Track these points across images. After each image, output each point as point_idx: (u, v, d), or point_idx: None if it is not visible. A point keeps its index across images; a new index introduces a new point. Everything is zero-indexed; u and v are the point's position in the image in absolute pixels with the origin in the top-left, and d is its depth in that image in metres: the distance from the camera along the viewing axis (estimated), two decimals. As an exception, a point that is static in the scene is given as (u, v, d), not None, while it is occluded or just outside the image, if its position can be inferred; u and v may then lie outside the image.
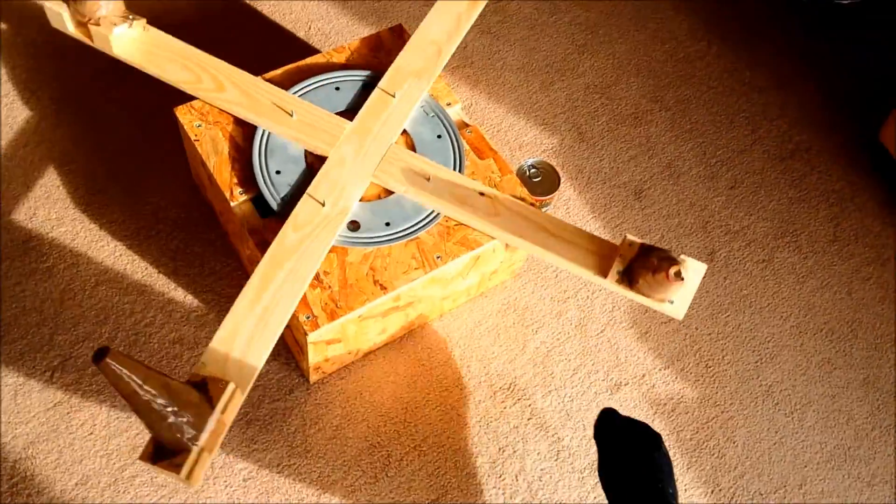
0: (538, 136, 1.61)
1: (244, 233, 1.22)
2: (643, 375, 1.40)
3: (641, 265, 1.12)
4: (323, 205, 1.19)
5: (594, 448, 1.30)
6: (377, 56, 1.40)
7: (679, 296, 1.14)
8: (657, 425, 1.36)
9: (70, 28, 1.27)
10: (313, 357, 1.22)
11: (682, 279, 1.07)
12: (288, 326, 1.23)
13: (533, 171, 1.43)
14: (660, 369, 1.41)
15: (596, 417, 1.11)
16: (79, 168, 1.46)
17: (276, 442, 1.27)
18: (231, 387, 0.99)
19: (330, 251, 1.19)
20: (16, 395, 1.26)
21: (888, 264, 1.57)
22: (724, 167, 1.63)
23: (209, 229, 1.42)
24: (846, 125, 1.71)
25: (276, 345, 1.32)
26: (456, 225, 1.24)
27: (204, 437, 0.95)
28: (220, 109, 1.29)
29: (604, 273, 1.16)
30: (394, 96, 1.30)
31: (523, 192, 1.29)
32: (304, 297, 1.16)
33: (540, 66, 1.70)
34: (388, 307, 1.22)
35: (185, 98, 1.30)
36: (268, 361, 1.32)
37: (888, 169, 1.64)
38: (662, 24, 1.80)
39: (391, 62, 1.35)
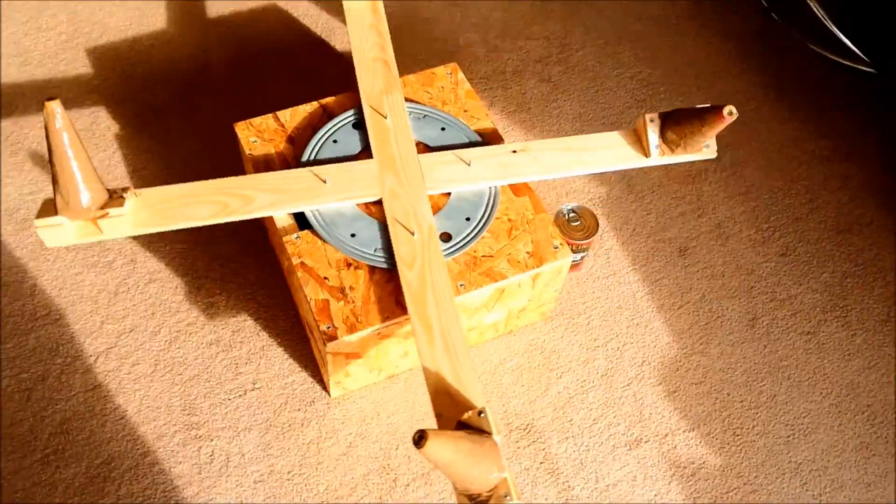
0: (587, 184, 1.63)
1: (283, 245, 1.28)
2: (666, 435, 1.37)
3: (678, 129, 1.31)
4: (413, 234, 1.24)
5: (604, 499, 1.28)
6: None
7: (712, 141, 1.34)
8: (674, 488, 1.33)
9: (72, 239, 1.20)
10: (333, 369, 1.26)
11: (734, 115, 1.24)
12: (313, 337, 1.28)
13: (572, 215, 1.45)
14: (684, 431, 1.38)
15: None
16: (149, 175, 1.57)
17: (290, 450, 1.31)
18: (483, 414, 1.03)
19: (356, 268, 1.24)
20: (61, 374, 1.35)
21: (945, 351, 1.50)
22: (777, 233, 1.60)
23: (259, 241, 1.50)
24: (914, 205, 1.66)
25: (305, 356, 1.37)
26: (483, 256, 1.27)
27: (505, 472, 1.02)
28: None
29: (646, 154, 1.35)
30: (385, 117, 1.36)
31: (553, 230, 1.31)
32: (327, 309, 1.21)
33: (597, 117, 1.72)
34: (408, 329, 1.26)
35: (248, 116, 1.39)
36: (295, 372, 1.37)
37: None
38: (728, 86, 1.80)
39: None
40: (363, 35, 1.46)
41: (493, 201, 1.33)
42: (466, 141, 1.39)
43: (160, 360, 1.37)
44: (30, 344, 1.37)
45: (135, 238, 1.49)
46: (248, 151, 1.35)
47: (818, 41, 1.81)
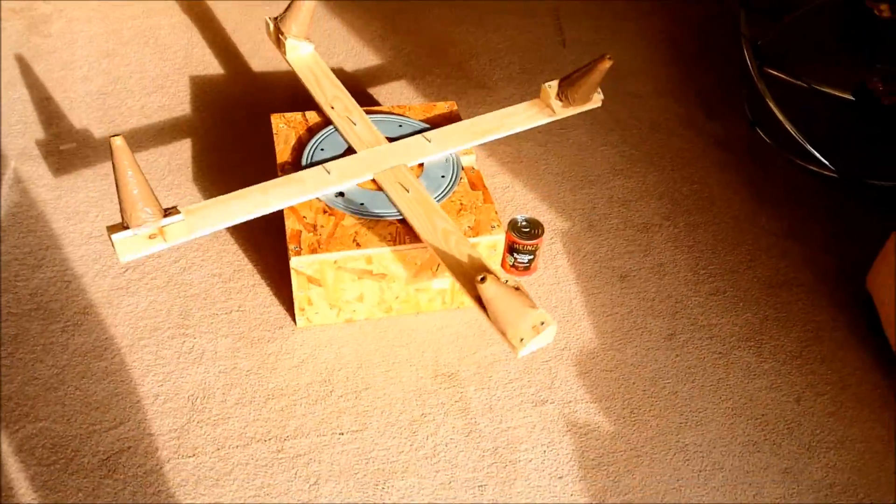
0: (553, 218, 1.93)
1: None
2: (569, 402, 1.58)
3: (571, 86, 1.74)
4: (408, 191, 1.60)
5: (502, 437, 1.49)
6: (429, 118, 1.85)
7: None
8: (566, 441, 1.51)
9: (145, 250, 1.42)
10: (297, 287, 1.57)
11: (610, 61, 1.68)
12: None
13: (524, 223, 1.76)
14: (586, 402, 1.58)
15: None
16: (208, 182, 2.00)
17: (253, 356, 1.60)
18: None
19: (329, 213, 1.58)
20: (96, 276, 1.71)
21: (848, 390, 1.64)
22: (712, 278, 1.83)
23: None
24: (845, 271, 1.85)
25: (286, 298, 1.68)
26: (431, 220, 1.59)
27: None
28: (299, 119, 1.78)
29: (552, 113, 1.79)
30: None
31: (494, 215, 1.62)
32: (298, 236, 1.54)
33: (576, 176, 2.05)
34: (361, 267, 1.57)
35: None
36: (273, 305, 1.69)
37: (872, 312, 1.75)
38: (698, 170, 2.09)
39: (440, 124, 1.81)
40: (311, 80, 1.87)
41: (456, 163, 1.71)
42: (420, 129, 1.78)
43: (172, 278, 1.72)
44: (79, 253, 1.75)
45: (179, 193, 1.89)
46: (274, 132, 1.76)
47: (790, 149, 2.11)
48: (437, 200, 1.63)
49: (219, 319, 1.66)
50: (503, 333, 1.34)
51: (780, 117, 2.09)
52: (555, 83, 1.78)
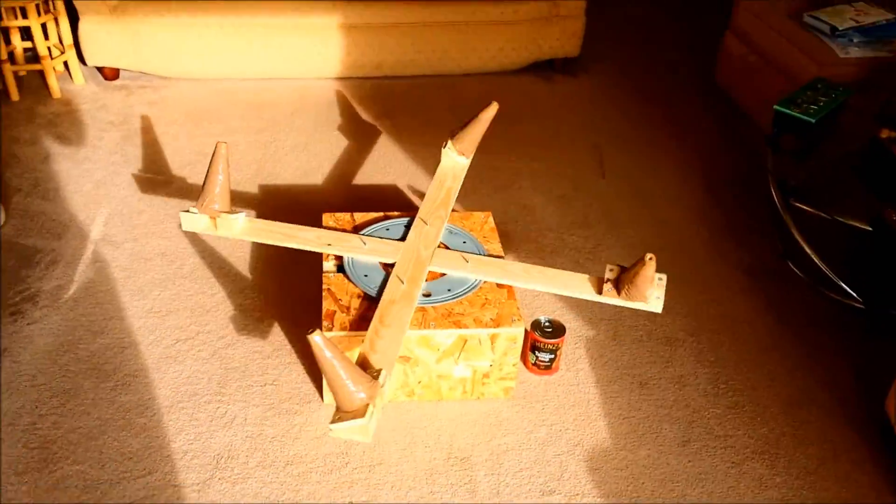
0: (580, 325, 2.02)
1: (323, 279, 1.80)
2: (576, 494, 1.61)
3: (624, 278, 1.71)
4: (402, 283, 1.74)
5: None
6: (465, 226, 2.01)
7: (655, 296, 1.72)
8: (570, 531, 1.54)
9: (201, 227, 1.83)
10: (325, 362, 1.69)
11: (652, 260, 1.65)
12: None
13: (546, 323, 1.85)
14: (594, 496, 1.61)
15: None
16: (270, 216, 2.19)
17: (280, 425, 1.70)
18: (384, 372, 1.50)
19: (363, 299, 1.72)
20: (149, 333, 1.87)
21: (864, 509, 1.62)
22: (731, 392, 1.87)
23: (315, 302, 2.02)
24: (865, 395, 1.86)
25: (318, 377, 1.81)
26: (456, 312, 1.71)
27: (376, 402, 1.44)
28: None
29: (599, 292, 1.76)
30: (426, 223, 1.89)
31: (516, 310, 1.73)
32: (332, 315, 1.68)
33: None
34: (387, 347, 1.68)
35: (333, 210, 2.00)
36: (305, 383, 1.80)
37: (890, 435, 1.74)
38: (724, 293, 2.16)
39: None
40: (440, 182, 2.08)
41: (473, 287, 1.79)
42: (476, 251, 1.90)
43: (217, 352, 1.87)
44: (137, 325, 1.92)
45: (237, 277, 2.06)
46: (323, 225, 1.95)
47: (820, 282, 2.18)
48: (460, 296, 1.75)
49: (253, 391, 1.78)
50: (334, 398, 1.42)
51: (808, 250, 2.16)
52: (616, 268, 1.76)
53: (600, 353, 1.96)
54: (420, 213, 1.96)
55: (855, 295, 2.11)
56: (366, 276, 1.79)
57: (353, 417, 1.40)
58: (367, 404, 1.41)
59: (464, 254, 1.86)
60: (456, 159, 2.12)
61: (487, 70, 3.22)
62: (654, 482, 1.65)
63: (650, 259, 1.66)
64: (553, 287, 1.79)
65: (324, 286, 1.77)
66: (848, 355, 1.99)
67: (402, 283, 1.73)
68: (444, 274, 1.82)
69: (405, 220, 1.97)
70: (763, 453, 1.73)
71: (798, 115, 2.27)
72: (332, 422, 1.41)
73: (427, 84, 3.10)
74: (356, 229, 1.96)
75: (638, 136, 2.86)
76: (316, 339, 1.37)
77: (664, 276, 1.76)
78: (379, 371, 1.48)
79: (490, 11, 3.06)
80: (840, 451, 1.74)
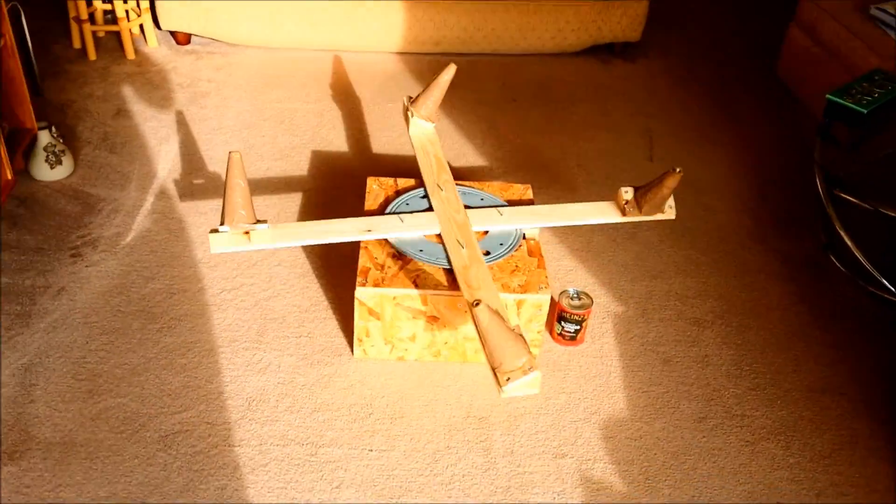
0: (609, 301, 2.06)
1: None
2: (588, 460, 1.65)
3: (644, 193, 1.86)
4: (462, 247, 1.81)
5: (517, 479, 1.59)
6: (504, 198, 2.06)
7: (668, 205, 1.89)
8: (577, 493, 1.59)
9: (234, 244, 1.71)
10: (358, 317, 1.77)
11: (681, 173, 1.79)
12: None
13: (574, 294, 1.90)
14: (605, 462, 1.65)
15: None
16: (303, 212, 2.29)
17: (310, 374, 1.80)
18: (519, 327, 1.58)
19: (397, 258, 1.80)
20: (200, 290, 1.99)
21: (874, 495, 1.63)
22: (754, 375, 1.88)
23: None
24: (891, 388, 1.85)
25: (350, 334, 1.89)
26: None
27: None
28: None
29: (621, 215, 1.91)
30: (442, 189, 1.95)
31: (544, 278, 1.78)
32: (367, 272, 1.76)
33: (639, 269, 2.17)
34: (417, 307, 1.75)
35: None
36: (338, 337, 1.89)
37: (914, 429, 1.74)
38: (759, 279, 2.16)
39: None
40: (423, 152, 2.12)
41: (517, 239, 1.87)
42: (499, 205, 1.96)
43: (259, 303, 1.97)
44: (186, 273, 2.04)
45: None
46: (367, 190, 2.03)
47: (860, 275, 2.16)
48: (491, 260, 1.81)
49: (288, 341, 1.88)
50: (494, 369, 1.46)
51: (848, 242, 2.14)
52: (630, 189, 1.91)
53: (627, 328, 1.99)
54: (428, 183, 2.01)
55: (893, 289, 2.08)
56: (421, 251, 1.85)
57: (523, 374, 1.47)
58: (529, 358, 1.48)
59: (497, 207, 1.93)
60: (422, 125, 2.17)
61: (545, 51, 3.24)
62: (666, 454, 1.68)
63: (679, 171, 1.79)
64: (579, 218, 1.92)
65: (362, 244, 1.85)
66: (877, 348, 1.98)
67: (463, 247, 1.80)
68: (486, 232, 1.89)
69: (419, 190, 2.03)
70: (779, 434, 1.74)
71: (850, 104, 2.24)
72: (503, 384, 1.47)
73: (484, 62, 3.15)
74: (398, 193, 2.03)
75: (692, 124, 2.85)
76: (483, 310, 1.46)
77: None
78: (516, 327, 1.54)
79: (550, -8, 3.08)
80: (858, 439, 1.74)
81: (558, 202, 2.39)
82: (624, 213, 1.91)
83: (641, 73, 3.18)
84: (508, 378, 1.45)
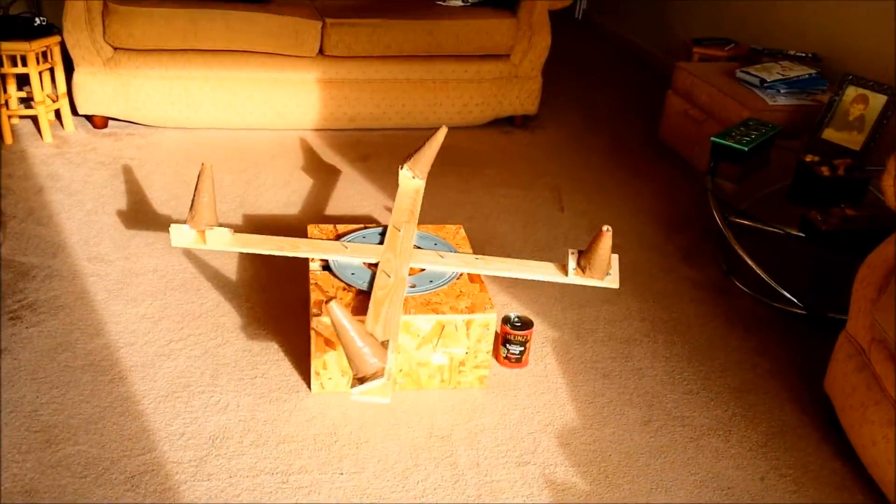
0: (545, 328, 2.18)
1: (310, 276, 1.95)
2: (550, 465, 1.74)
3: (586, 256, 1.94)
4: (389, 277, 1.90)
5: (486, 487, 1.65)
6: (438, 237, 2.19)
7: (613, 272, 1.97)
8: (544, 494, 1.66)
9: (190, 241, 1.94)
10: (314, 348, 1.82)
11: (609, 231, 1.87)
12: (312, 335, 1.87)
13: (516, 318, 2.02)
14: (566, 466, 1.74)
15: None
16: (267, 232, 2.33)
17: (270, 411, 1.81)
18: (391, 341, 1.66)
19: (347, 290, 1.88)
20: (147, 333, 1.98)
21: (809, 473, 1.78)
22: (686, 382, 2.03)
23: (301, 304, 2.16)
24: (806, 381, 2.04)
25: (304, 372, 1.93)
26: (434, 301, 1.87)
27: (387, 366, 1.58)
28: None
29: (565, 273, 1.98)
30: (399, 230, 2.07)
31: (489, 301, 1.89)
32: (320, 303, 1.82)
33: (566, 300, 2.32)
34: (372, 334, 1.82)
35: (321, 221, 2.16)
36: (293, 375, 1.92)
37: (830, 411, 1.92)
38: (676, 302, 2.35)
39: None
40: (404, 198, 2.26)
41: (452, 277, 1.96)
42: (449, 250, 2.08)
43: (209, 350, 1.98)
44: (132, 328, 2.03)
45: (225, 289, 2.19)
46: (309, 235, 2.11)
47: (763, 293, 2.39)
48: (436, 287, 1.92)
49: (244, 383, 1.89)
50: (350, 365, 1.56)
51: (748, 261, 2.38)
52: (576, 252, 2.00)
53: (566, 350, 2.12)
54: (393, 220, 2.13)
55: (796, 301, 2.32)
56: (353, 273, 1.94)
57: (372, 380, 1.52)
58: (383, 367, 1.54)
59: (439, 251, 2.04)
60: (412, 181, 2.32)
61: (452, 124, 3.47)
62: (620, 455, 1.79)
63: (607, 230, 1.88)
64: (527, 273, 1.99)
65: (311, 281, 1.91)
66: (791, 351, 2.19)
67: (389, 277, 1.89)
68: (423, 269, 1.99)
69: (379, 229, 2.15)
70: (718, 430, 1.89)
71: (733, 144, 2.53)
72: (353, 386, 1.53)
73: (398, 135, 3.33)
74: (338, 237, 2.12)
75: (592, 179, 3.10)
76: (333, 306, 1.51)
77: (616, 256, 1.99)
78: (386, 341, 1.62)
79: (456, 69, 3.33)
80: (787, 428, 1.91)
81: (486, 250, 2.55)
82: (565, 275, 1.98)
83: (542, 141, 3.45)
84: (359, 382, 1.54)
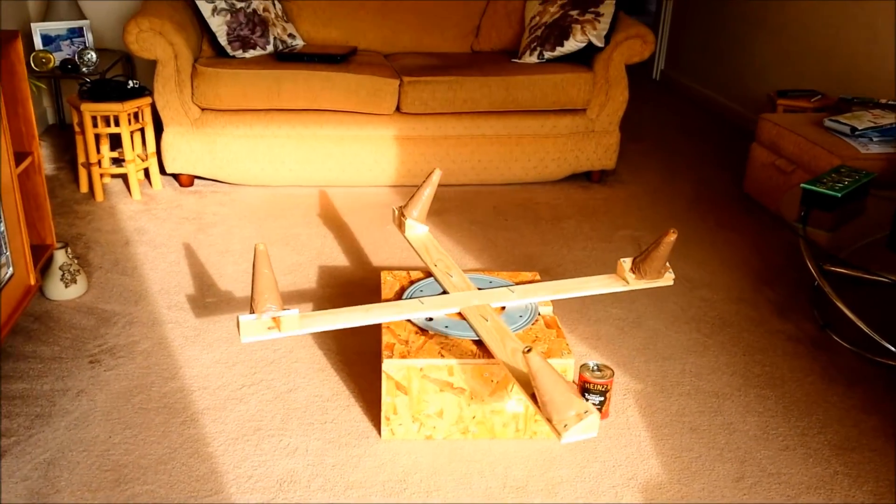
0: (627, 381, 2.08)
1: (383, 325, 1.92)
2: (633, 519, 1.62)
3: (642, 261, 1.97)
4: (487, 320, 1.87)
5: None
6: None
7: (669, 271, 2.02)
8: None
9: (263, 331, 1.71)
10: (385, 391, 1.77)
11: (675, 233, 1.91)
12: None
13: (595, 366, 1.92)
14: (650, 521, 1.62)
15: None
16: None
17: (339, 456, 1.76)
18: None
19: (420, 334, 1.83)
20: (226, 368, 1.97)
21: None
22: (781, 438, 1.88)
23: (375, 355, 2.12)
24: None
25: (375, 419, 1.88)
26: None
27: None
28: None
29: (625, 283, 2.02)
30: (451, 275, 2.01)
31: (566, 346, 1.82)
32: (392, 346, 1.78)
33: (650, 352, 2.21)
34: (443, 378, 1.76)
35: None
36: (363, 422, 1.87)
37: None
38: (769, 356, 2.21)
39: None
40: (425, 249, 2.23)
41: (526, 322, 1.90)
42: (508, 284, 2.02)
43: (279, 395, 1.96)
44: (206, 372, 2.03)
45: (294, 338, 2.18)
46: (382, 281, 2.08)
47: (863, 346, 2.23)
48: (530, 320, 1.87)
49: (314, 427, 1.85)
50: (548, 420, 1.47)
51: (850, 315, 2.23)
52: (629, 259, 2.04)
53: (649, 402, 2.00)
54: (436, 272, 2.08)
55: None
56: (447, 326, 1.88)
57: (578, 420, 1.47)
58: (583, 401, 1.51)
59: (507, 287, 1.99)
60: (417, 228, 2.28)
61: (528, 180, 3.44)
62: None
63: (673, 232, 1.91)
64: (588, 288, 2.00)
65: (383, 327, 1.88)
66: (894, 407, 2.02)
67: (487, 320, 1.84)
68: (503, 308, 1.94)
69: (429, 279, 2.11)
70: (818, 489, 1.73)
71: (825, 190, 2.41)
72: (560, 431, 1.48)
73: (473, 191, 3.32)
74: (411, 283, 2.09)
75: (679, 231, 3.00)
76: (533, 356, 1.49)
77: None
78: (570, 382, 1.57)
79: (532, 125, 3.32)
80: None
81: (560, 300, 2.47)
82: (626, 282, 2.01)
83: (620, 195, 3.38)
84: (566, 425, 1.46)
